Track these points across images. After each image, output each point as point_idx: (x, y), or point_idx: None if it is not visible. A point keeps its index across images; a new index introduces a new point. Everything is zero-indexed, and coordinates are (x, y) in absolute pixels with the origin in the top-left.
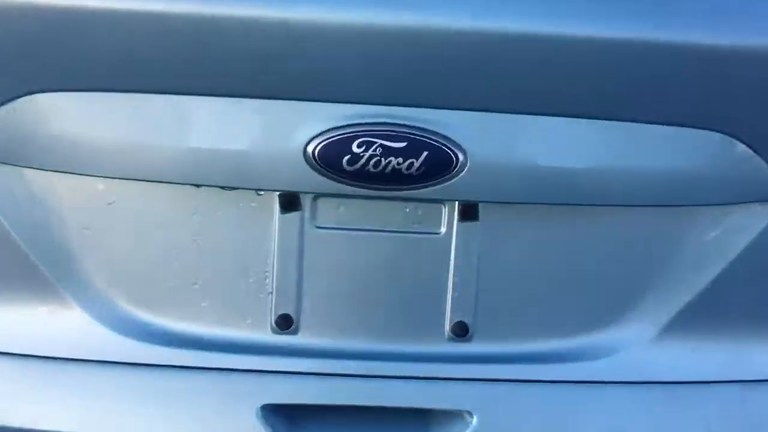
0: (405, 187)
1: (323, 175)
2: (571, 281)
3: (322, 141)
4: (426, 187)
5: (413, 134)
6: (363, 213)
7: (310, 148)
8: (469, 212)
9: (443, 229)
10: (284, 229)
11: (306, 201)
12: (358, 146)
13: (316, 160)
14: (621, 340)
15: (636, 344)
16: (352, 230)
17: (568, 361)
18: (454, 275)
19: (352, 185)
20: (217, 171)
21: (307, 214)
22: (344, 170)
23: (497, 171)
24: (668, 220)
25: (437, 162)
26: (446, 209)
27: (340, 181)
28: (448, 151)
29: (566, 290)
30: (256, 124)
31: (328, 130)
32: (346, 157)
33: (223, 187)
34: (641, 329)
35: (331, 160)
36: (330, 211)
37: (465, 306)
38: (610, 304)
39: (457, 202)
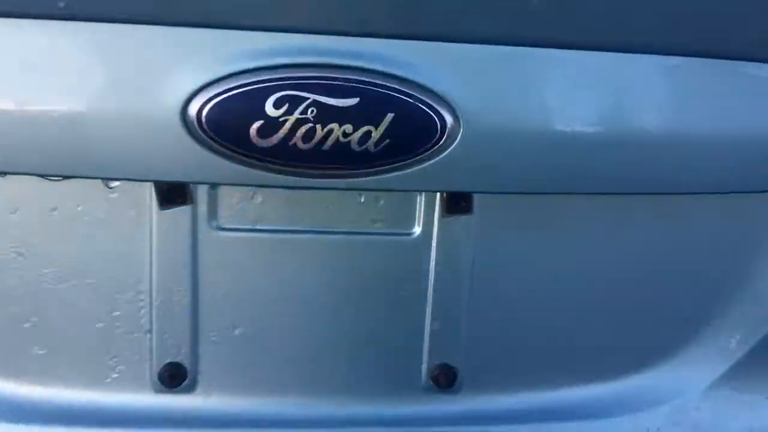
0: (357, 171)
1: (217, 152)
2: (606, 301)
3: (214, 97)
4: (392, 170)
5: (369, 84)
6: (292, 208)
7: (193, 109)
8: (457, 204)
9: (417, 229)
10: (166, 234)
11: (200, 192)
12: (276, 105)
13: (203, 128)
14: (675, 383)
15: (697, 389)
16: (275, 233)
17: (598, 416)
18: (434, 297)
19: (267, 170)
20: (29, 150)
21: (201, 210)
22: (253, 145)
23: (507, 144)
24: (754, 212)
25: (412, 130)
26: (422, 200)
27: (247, 164)
28: (429, 111)
29: (598, 314)
30: (98, 66)
31: (223, 79)
32: (257, 124)
33: (44, 176)
34: (704, 368)
35: (229, 128)
36: (239, 206)
37: (450, 342)
38: (660, 334)
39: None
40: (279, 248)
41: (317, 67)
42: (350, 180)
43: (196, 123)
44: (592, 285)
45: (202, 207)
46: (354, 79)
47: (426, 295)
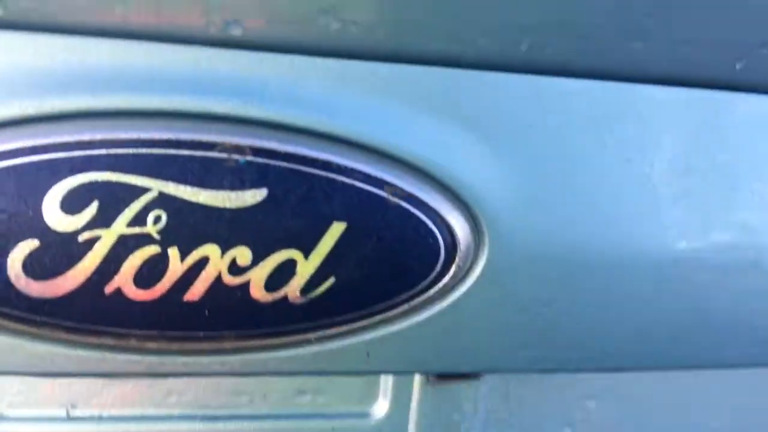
0: (263, 342)
1: None
2: None
3: None
4: (337, 338)
5: (289, 158)
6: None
7: None
8: None
9: (382, 407)
10: None
11: None
12: (70, 204)
13: None
14: None
15: None
16: (113, 422)
17: None
18: None
19: (53, 341)
20: None
21: None
22: (20, 294)
23: (575, 280)
24: None
25: (384, 255)
26: None
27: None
28: (420, 214)
29: None
30: None
31: None
32: (26, 247)
33: None
34: None
35: None
36: None
37: None
38: None
39: None
40: None
41: (165, 118)
42: (245, 359)
43: None
44: None
45: None
46: (253, 148)
47: None
